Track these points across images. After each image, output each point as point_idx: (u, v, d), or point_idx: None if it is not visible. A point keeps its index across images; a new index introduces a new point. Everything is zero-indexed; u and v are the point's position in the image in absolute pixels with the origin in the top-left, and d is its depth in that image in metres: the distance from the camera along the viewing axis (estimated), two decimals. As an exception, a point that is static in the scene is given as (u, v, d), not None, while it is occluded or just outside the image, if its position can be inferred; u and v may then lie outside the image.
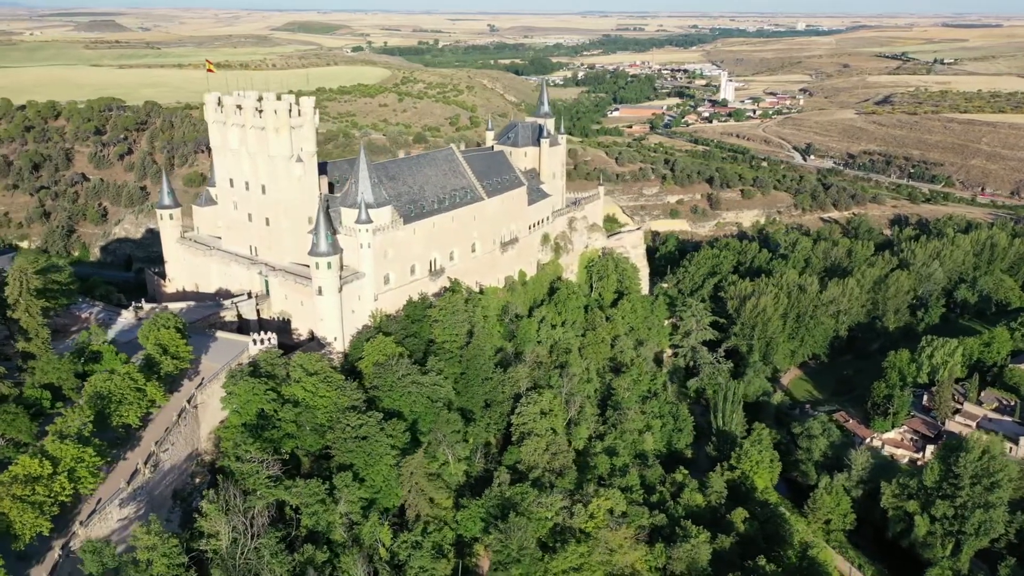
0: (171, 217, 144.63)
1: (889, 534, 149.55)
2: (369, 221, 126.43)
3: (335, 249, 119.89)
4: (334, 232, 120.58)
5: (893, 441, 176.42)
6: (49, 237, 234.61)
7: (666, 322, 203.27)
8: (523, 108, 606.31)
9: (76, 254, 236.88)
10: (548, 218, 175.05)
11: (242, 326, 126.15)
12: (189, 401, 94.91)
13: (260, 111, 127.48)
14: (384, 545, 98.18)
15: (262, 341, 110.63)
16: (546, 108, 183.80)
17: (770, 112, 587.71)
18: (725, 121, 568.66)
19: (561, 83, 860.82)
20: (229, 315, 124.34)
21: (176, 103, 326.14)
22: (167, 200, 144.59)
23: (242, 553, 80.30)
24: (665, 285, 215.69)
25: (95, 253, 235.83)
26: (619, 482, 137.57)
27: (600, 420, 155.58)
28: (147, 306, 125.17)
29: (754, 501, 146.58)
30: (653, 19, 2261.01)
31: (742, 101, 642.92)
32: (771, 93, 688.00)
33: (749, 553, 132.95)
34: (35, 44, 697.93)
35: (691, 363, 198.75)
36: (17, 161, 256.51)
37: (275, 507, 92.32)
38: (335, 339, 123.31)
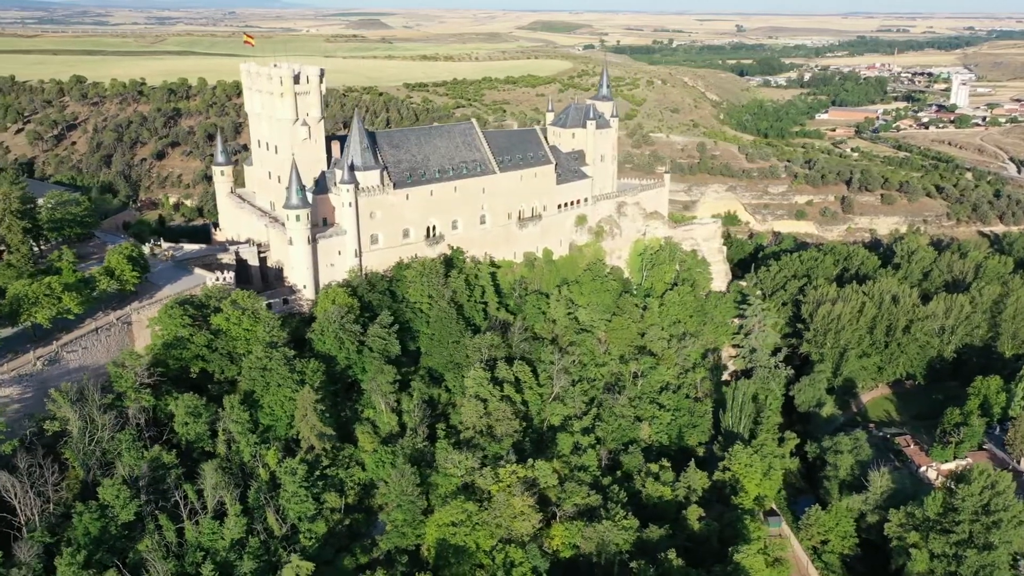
0: (222, 174, 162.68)
1: (892, 566, 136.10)
2: (351, 182, 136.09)
3: (305, 203, 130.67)
4: (303, 188, 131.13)
5: (951, 473, 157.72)
6: (203, 197, 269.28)
7: (734, 321, 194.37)
8: (723, 107, 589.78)
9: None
10: (587, 199, 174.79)
11: (242, 270, 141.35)
12: (119, 318, 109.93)
13: (270, 78, 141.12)
14: (266, 466, 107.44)
15: (219, 278, 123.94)
16: (605, 91, 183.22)
17: (1001, 120, 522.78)
18: (943, 127, 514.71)
19: (784, 84, 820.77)
20: (227, 258, 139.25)
21: (343, 86, 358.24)
22: (220, 158, 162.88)
23: (93, 441, 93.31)
24: (743, 283, 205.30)
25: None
26: (575, 461, 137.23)
27: (595, 403, 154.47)
28: (165, 244, 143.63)
29: (732, 505, 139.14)
30: (924, 20, 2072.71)
31: (976, 107, 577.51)
32: (1017, 100, 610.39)
33: (703, 551, 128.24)
34: (286, 38, 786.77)
35: (749, 364, 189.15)
36: (196, 131, 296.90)
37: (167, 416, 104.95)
38: (304, 287, 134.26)
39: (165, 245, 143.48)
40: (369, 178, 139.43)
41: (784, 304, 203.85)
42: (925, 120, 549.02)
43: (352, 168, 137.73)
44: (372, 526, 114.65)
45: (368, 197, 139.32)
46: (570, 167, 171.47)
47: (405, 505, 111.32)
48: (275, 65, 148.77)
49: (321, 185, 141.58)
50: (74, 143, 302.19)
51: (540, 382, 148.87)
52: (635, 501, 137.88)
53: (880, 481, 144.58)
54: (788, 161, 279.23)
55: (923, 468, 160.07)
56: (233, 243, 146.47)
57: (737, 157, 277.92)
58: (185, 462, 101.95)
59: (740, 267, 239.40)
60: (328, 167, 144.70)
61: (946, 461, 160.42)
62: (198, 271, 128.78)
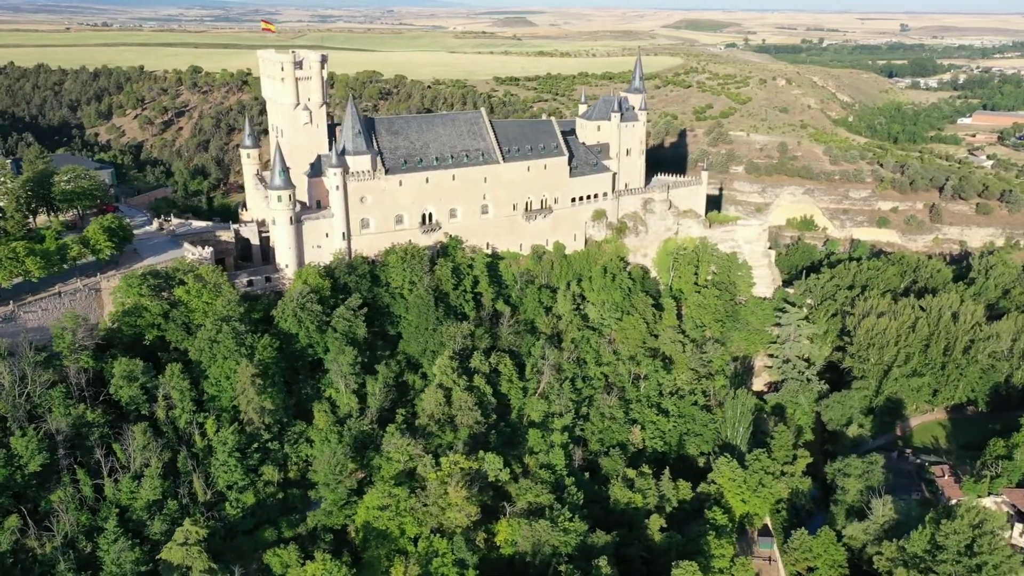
0: (248, 156, 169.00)
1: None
2: (339, 166, 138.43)
3: (288, 184, 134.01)
4: (286, 169, 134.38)
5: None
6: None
7: (773, 329, 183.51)
8: (855, 108, 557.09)
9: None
10: (606, 194, 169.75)
11: (246, 248, 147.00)
12: (86, 284, 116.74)
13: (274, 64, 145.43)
14: (204, 434, 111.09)
15: (196, 253, 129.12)
16: (637, 84, 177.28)
17: None
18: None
19: (935, 86, 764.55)
20: (226, 236, 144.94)
21: (432, 79, 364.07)
22: (247, 141, 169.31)
23: (23, 395, 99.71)
24: (790, 290, 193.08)
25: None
26: (543, 459, 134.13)
27: (586, 402, 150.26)
28: (174, 220, 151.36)
29: (704, 519, 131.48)
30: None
31: None
32: None
33: (662, 563, 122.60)
34: (415, 34, 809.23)
35: (782, 376, 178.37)
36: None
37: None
38: (286, 266, 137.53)
39: (175, 221, 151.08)
40: (359, 163, 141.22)
41: (834, 315, 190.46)
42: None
43: (343, 153, 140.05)
44: (309, 503, 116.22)
45: (358, 181, 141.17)
46: (588, 160, 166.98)
47: (333, 484, 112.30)
48: (292, 52, 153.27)
49: (316, 168, 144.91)
50: (180, 129, 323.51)
51: (526, 376, 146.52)
52: (606, 505, 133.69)
53: (882, 510, 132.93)
54: (879, 164, 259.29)
55: (952, 501, 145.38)
56: (237, 222, 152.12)
57: (820, 159, 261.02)
58: (121, 423, 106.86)
59: (805, 274, 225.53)
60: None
61: (979, 496, 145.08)
62: (186, 246, 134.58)
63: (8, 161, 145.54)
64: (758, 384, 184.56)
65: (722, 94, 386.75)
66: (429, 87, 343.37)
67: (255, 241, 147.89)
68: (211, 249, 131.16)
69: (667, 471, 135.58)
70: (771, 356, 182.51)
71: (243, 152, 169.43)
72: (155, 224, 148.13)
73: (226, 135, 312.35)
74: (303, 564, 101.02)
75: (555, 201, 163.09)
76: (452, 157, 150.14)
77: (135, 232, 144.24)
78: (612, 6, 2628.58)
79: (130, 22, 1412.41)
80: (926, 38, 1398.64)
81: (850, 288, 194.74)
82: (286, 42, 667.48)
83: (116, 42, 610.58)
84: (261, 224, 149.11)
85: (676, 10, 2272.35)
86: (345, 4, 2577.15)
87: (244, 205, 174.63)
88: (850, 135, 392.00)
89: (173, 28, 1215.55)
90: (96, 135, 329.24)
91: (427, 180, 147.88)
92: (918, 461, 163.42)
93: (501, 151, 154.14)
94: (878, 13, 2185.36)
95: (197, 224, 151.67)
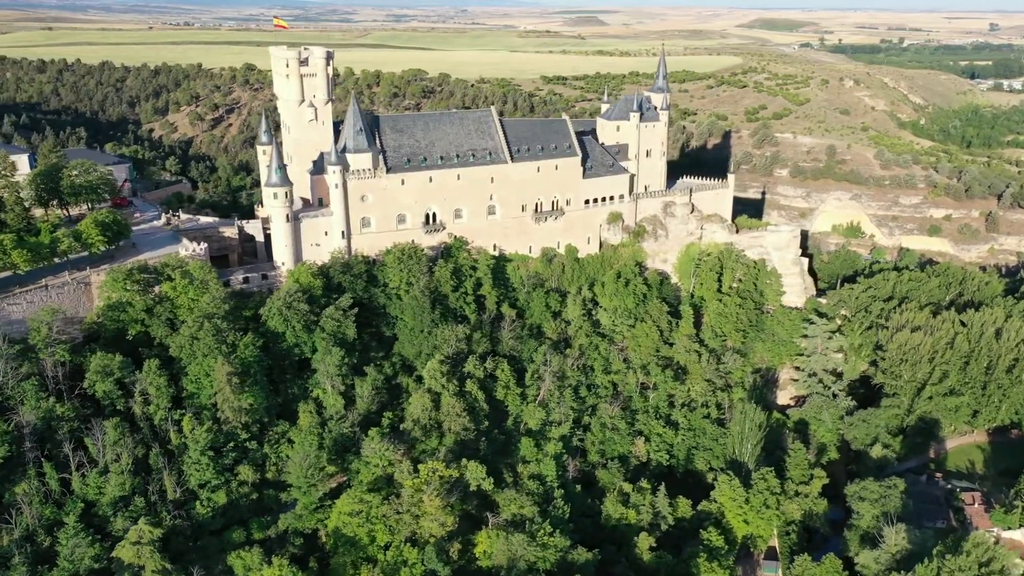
0: (264, 153, 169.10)
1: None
2: (339, 164, 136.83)
3: (284, 182, 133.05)
4: (283, 167, 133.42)
5: (1014, 543, 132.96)
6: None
7: (803, 341, 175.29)
8: (929, 111, 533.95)
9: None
10: (622, 196, 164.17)
11: (251, 245, 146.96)
12: (74, 278, 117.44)
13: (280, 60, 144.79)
14: (180, 432, 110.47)
15: (191, 249, 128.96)
16: (660, 83, 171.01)
17: None
18: None
19: (1019, 88, 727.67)
20: (229, 232, 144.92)
21: (478, 78, 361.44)
22: (263, 138, 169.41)
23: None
24: (823, 301, 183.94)
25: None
26: (533, 468, 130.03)
27: (588, 411, 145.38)
28: (183, 215, 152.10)
29: (699, 540, 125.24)
30: None
31: None
32: None
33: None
34: (479, 33, 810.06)
35: (808, 390, 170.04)
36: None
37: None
38: (283, 264, 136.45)
39: (184, 216, 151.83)
40: (360, 161, 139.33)
41: (869, 328, 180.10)
42: None
43: (344, 151, 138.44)
44: (285, 504, 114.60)
45: (358, 180, 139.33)
46: (604, 161, 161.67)
47: (305, 487, 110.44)
48: (305, 48, 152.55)
49: (318, 166, 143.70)
50: (230, 125, 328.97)
51: (526, 383, 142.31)
52: (597, 520, 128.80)
53: (895, 538, 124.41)
54: (934, 170, 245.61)
55: (977, 531, 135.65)
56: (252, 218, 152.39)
57: (870, 163, 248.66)
58: (95, 418, 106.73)
59: (840, 284, 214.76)
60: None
61: (1009, 527, 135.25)
62: (183, 241, 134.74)
63: (25, 156, 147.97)
64: (783, 398, 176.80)
65: (779, 94, 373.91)
66: (472, 85, 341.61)
67: (259, 238, 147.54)
68: (205, 245, 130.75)
69: (663, 487, 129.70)
70: (797, 369, 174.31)
71: (259, 148, 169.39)
72: (163, 219, 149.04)
73: (275, 131, 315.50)
74: (262, 569, 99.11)
75: (567, 203, 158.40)
76: (458, 156, 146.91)
77: (145, 227, 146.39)
78: (687, 5, 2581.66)
79: (211, 22, 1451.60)
80: (1016, 38, 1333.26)
81: (888, 300, 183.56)
82: (349, 41, 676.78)
83: (183, 40, 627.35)
84: (266, 221, 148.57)
85: (752, 9, 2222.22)
86: (421, 4, 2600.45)
87: (260, 202, 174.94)
88: (915, 138, 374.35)
89: (250, 27, 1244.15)
90: (151, 131, 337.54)
91: (430, 179, 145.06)
92: (948, 486, 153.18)
93: (510, 150, 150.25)
94: (966, 12, 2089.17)
95: (204, 220, 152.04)
